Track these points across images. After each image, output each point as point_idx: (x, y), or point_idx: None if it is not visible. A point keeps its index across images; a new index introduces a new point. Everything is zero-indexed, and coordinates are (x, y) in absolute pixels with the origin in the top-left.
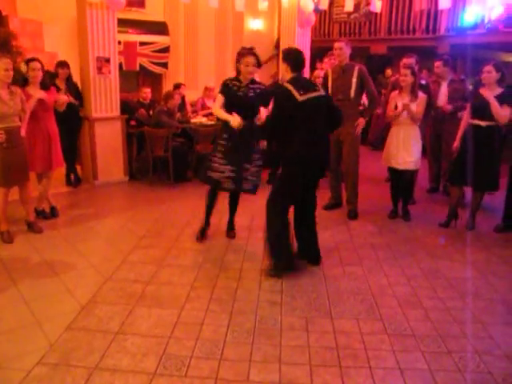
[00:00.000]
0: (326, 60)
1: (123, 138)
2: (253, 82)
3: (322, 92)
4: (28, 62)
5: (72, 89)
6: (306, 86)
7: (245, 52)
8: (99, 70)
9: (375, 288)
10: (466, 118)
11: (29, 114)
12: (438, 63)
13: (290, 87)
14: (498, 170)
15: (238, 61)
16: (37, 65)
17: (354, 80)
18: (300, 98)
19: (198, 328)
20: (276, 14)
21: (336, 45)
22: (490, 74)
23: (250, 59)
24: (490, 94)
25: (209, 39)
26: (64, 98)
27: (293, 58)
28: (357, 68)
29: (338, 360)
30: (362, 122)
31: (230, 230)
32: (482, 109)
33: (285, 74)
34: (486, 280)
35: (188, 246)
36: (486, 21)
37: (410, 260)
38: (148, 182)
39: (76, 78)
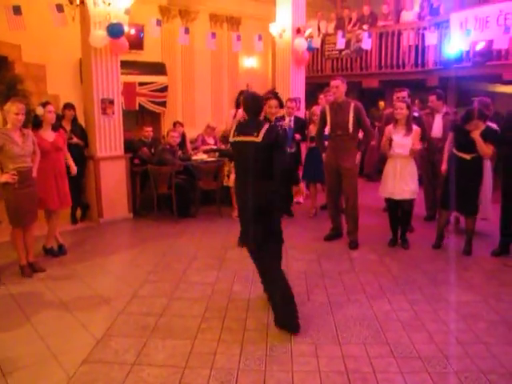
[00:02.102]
0: (321, 96)
1: (127, 176)
2: (277, 119)
3: (257, 139)
4: (44, 105)
5: (77, 130)
6: (245, 129)
7: (269, 96)
8: (104, 110)
9: (380, 313)
10: (448, 144)
11: (39, 156)
12: (432, 97)
13: (234, 127)
14: (477, 196)
15: (264, 104)
16: (52, 108)
17: (351, 116)
18: (232, 139)
19: (212, 357)
20: (270, 52)
21: (333, 83)
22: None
23: (273, 102)
24: (477, 132)
25: (205, 78)
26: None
27: (244, 103)
28: (353, 105)
29: (348, 383)
30: (359, 155)
31: None
32: (467, 145)
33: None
34: (486, 302)
35: (196, 279)
36: (470, 54)
37: (411, 286)
38: (152, 219)
39: (80, 119)
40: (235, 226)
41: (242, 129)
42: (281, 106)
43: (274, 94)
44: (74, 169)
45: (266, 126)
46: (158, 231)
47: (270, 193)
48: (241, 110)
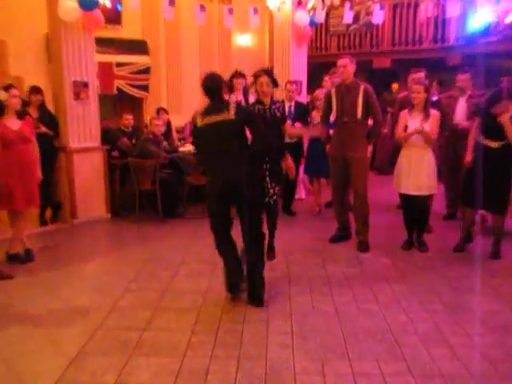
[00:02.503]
0: (326, 78)
1: (105, 171)
2: (273, 102)
3: (229, 115)
4: (7, 88)
5: (46, 117)
6: (212, 111)
7: (258, 73)
8: (76, 95)
9: (394, 326)
10: (474, 131)
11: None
12: (463, 77)
13: (199, 114)
14: (508, 192)
15: (255, 83)
16: (16, 92)
17: (360, 100)
18: (200, 124)
19: (203, 377)
20: (267, 28)
21: (340, 62)
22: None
23: (264, 79)
24: (506, 116)
25: (193, 58)
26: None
27: (202, 86)
28: (362, 88)
29: None
30: (370, 148)
31: (269, 252)
32: (495, 131)
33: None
34: None
35: (185, 288)
36: (499, 27)
37: (429, 294)
38: (134, 219)
39: (48, 105)
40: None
41: (209, 111)
42: (275, 84)
43: (264, 71)
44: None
45: (234, 105)
46: (140, 233)
47: (246, 166)
48: (234, 96)
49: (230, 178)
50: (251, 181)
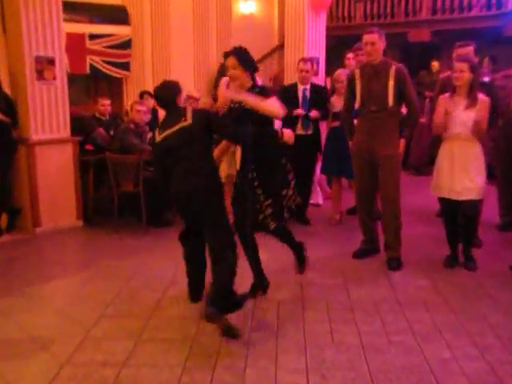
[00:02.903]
0: (349, 56)
1: (75, 168)
2: (254, 87)
3: (186, 122)
4: None
5: (1, 101)
6: (168, 122)
7: (225, 54)
8: (40, 74)
9: (435, 363)
10: None
11: None
12: None
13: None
14: None
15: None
16: None
17: (392, 84)
18: (158, 139)
19: None
20: None
21: (366, 38)
22: None
23: (230, 61)
24: None
25: (185, 29)
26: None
27: (155, 97)
28: (394, 68)
29: None
30: (403, 143)
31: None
32: None
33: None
34: None
35: (174, 313)
36: None
37: (480, 324)
38: (111, 228)
39: (4, 86)
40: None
41: (165, 124)
42: (247, 67)
43: (232, 51)
44: None
45: (190, 109)
46: (119, 245)
47: (211, 171)
48: (225, 78)
49: (185, 188)
50: (211, 189)
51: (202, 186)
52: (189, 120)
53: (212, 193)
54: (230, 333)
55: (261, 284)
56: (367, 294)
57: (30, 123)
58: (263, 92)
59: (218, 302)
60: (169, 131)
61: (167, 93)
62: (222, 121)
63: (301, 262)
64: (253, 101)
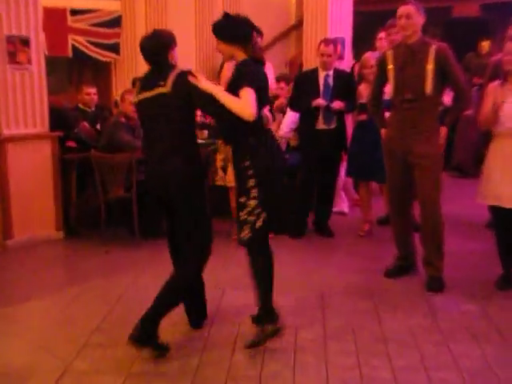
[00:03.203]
0: (381, 35)
1: (55, 169)
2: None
3: (164, 88)
4: None
5: None
6: (148, 82)
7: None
8: (12, 57)
9: None
10: None
11: None
12: None
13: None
14: None
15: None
16: None
17: (431, 68)
18: (135, 99)
19: None
20: None
21: (401, 10)
22: None
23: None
24: None
25: (185, 3)
26: None
27: (140, 49)
28: (434, 48)
29: None
30: (444, 131)
31: None
32: None
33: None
34: None
35: (172, 342)
36: None
37: None
38: (98, 240)
39: None
40: (236, 251)
41: (144, 83)
42: (227, 38)
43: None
44: None
45: (176, 72)
46: (107, 261)
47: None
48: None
49: (160, 172)
50: (188, 182)
51: (179, 171)
52: (168, 87)
53: (189, 180)
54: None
55: (267, 317)
56: (402, 321)
57: (1, 116)
58: (236, 73)
59: (148, 321)
60: (145, 95)
61: (156, 43)
62: (206, 95)
63: (261, 318)
64: (216, 92)
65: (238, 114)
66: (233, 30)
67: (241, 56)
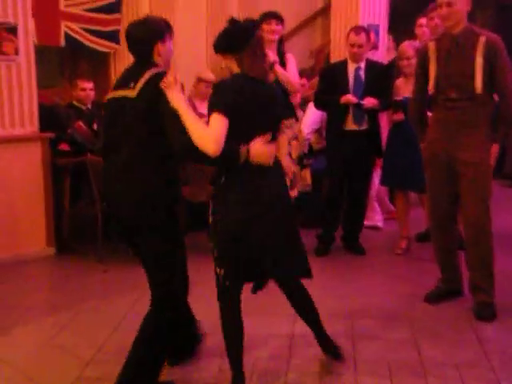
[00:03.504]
0: (421, 22)
1: (46, 176)
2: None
3: (132, 92)
4: None
5: None
6: (123, 79)
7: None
8: None
9: None
10: None
11: None
12: None
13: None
14: None
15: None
16: None
17: (480, 61)
18: (107, 96)
19: None
20: None
21: None
22: None
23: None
24: None
25: None
26: None
27: (126, 32)
28: (483, 40)
29: None
30: (495, 150)
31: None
32: None
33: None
34: None
35: (178, 376)
36: None
37: None
38: (94, 257)
39: None
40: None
41: (120, 79)
42: (224, 51)
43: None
44: None
45: (151, 72)
46: (104, 281)
47: (149, 188)
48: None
49: (112, 195)
50: (149, 205)
51: (136, 192)
52: (135, 90)
53: (153, 204)
54: None
55: None
56: (446, 354)
57: None
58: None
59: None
60: (115, 93)
61: (142, 31)
62: (172, 111)
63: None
64: (182, 111)
65: (199, 147)
66: (226, 37)
67: (235, 70)
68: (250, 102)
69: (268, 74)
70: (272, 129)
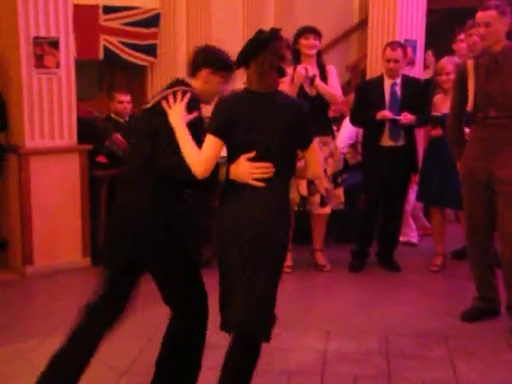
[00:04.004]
0: (460, 38)
1: (83, 187)
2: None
3: (147, 104)
4: None
5: None
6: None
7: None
8: (39, 61)
9: None
10: None
11: None
12: None
13: None
14: None
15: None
16: None
17: None
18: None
19: None
20: None
21: (480, 17)
22: None
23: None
24: None
25: (232, 1)
26: None
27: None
28: None
29: None
30: None
31: None
32: None
33: None
34: None
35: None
36: None
37: None
38: None
39: None
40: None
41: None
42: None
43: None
44: None
45: (175, 89)
46: (139, 292)
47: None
48: (301, 67)
49: (121, 207)
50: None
51: (142, 208)
52: (151, 103)
53: (160, 223)
54: None
55: None
56: (482, 374)
57: (24, 125)
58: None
59: None
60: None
61: (201, 54)
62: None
63: None
64: (178, 130)
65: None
66: (239, 53)
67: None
68: (247, 119)
69: (276, 88)
70: (273, 146)
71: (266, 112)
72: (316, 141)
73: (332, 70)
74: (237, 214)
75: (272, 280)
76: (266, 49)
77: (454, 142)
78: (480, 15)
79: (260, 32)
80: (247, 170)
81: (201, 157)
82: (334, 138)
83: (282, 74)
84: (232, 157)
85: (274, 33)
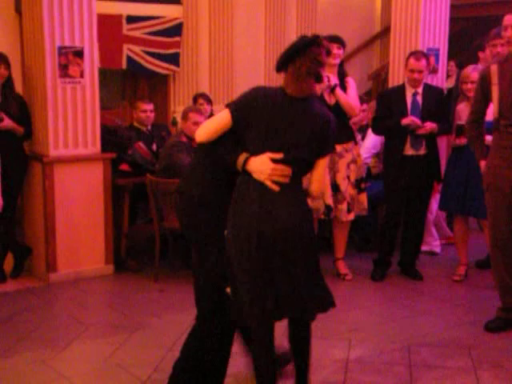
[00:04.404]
0: (485, 46)
1: (107, 195)
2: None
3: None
4: None
5: (12, 104)
6: None
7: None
8: (64, 70)
9: None
10: None
11: None
12: None
13: None
14: None
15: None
16: None
17: None
18: None
19: None
20: None
21: (508, 20)
22: None
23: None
24: None
25: (254, 10)
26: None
27: None
28: None
29: None
30: None
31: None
32: None
33: None
34: None
35: None
36: None
37: None
38: (151, 276)
39: (17, 86)
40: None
41: None
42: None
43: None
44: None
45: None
46: (161, 299)
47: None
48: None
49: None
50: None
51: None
52: None
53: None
54: None
55: None
56: None
57: (49, 134)
58: None
59: None
60: None
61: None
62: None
63: None
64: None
65: None
66: (279, 57)
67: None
68: (266, 115)
69: (312, 94)
70: (295, 151)
71: (294, 116)
72: (338, 149)
73: (351, 82)
74: (252, 213)
75: (306, 267)
76: (304, 53)
77: (476, 146)
78: (508, 18)
79: (302, 37)
80: (267, 169)
81: (206, 123)
82: (356, 143)
83: (319, 79)
84: (253, 151)
85: (315, 38)
